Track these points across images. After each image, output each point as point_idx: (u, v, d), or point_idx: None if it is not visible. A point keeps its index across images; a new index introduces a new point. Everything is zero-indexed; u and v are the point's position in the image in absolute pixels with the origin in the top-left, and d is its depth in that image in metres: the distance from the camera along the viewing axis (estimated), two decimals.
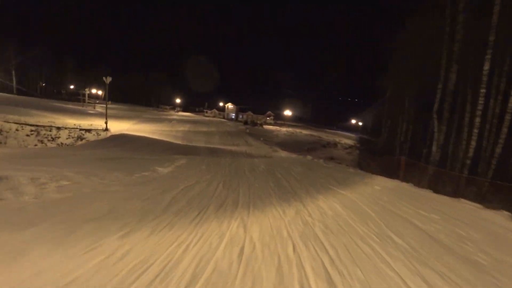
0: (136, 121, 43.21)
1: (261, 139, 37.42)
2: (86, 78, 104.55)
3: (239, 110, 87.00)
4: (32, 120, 23.77)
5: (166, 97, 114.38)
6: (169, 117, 60.71)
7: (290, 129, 62.08)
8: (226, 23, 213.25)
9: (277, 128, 62.63)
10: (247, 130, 44.41)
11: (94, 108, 64.31)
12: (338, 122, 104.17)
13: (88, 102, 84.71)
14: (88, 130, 24.33)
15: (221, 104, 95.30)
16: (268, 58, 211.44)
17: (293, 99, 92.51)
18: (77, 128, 23.89)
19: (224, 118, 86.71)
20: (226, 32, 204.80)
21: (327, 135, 63.30)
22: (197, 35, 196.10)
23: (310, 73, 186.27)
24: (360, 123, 75.21)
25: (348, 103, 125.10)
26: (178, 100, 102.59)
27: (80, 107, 59.94)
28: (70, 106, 58.45)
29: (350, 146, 51.59)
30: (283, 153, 25.99)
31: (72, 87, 67.07)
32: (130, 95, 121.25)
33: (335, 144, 51.47)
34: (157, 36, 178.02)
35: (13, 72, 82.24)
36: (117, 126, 31.66)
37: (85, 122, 29.37)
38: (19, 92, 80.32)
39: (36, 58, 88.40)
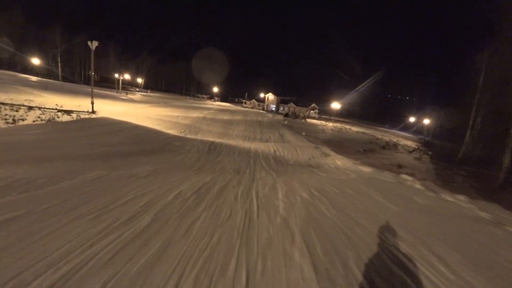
0: (150, 105, 37.30)
1: (303, 133, 28.90)
2: (128, 65, 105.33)
3: (280, 102, 78.59)
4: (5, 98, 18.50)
5: (206, 86, 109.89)
6: (201, 105, 54.70)
7: (337, 125, 52.65)
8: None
9: (322, 122, 53.42)
10: (285, 122, 36.38)
11: (126, 94, 60.97)
12: (391, 119, 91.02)
13: (128, 89, 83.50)
14: (69, 112, 18.25)
15: (261, 95, 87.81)
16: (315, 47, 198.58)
17: (343, 88, 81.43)
18: (54, 109, 17.93)
19: (263, 109, 79.08)
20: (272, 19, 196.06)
21: (382, 134, 52.81)
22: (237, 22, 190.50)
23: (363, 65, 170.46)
24: (426, 122, 62.58)
25: (403, 100, 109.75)
26: (215, 89, 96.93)
27: (109, 92, 56.54)
28: (99, 91, 55.15)
29: (414, 149, 40.92)
30: (339, 159, 17.36)
31: (116, 75, 64.45)
32: (172, 84, 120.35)
33: (395, 146, 40.91)
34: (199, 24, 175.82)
35: (59, 59, 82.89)
36: (120, 109, 25.78)
37: (84, 104, 23.70)
38: (64, 79, 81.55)
39: (81, 45, 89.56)
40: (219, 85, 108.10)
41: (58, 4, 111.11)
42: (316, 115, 75.13)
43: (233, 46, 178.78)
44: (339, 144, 29.45)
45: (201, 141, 16.71)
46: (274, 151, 17.48)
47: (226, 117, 32.31)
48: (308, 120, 52.62)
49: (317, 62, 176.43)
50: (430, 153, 39.09)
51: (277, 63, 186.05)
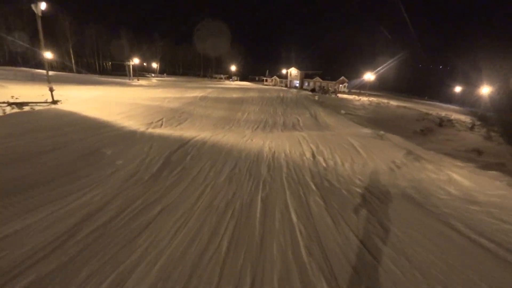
0: (154, 88, 32.45)
1: (342, 112, 22.61)
2: (142, 51, 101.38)
3: (305, 77, 71.22)
4: None
5: (225, 66, 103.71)
6: (214, 85, 49.18)
7: (373, 99, 45.33)
8: None
9: (355, 97, 46.27)
10: (316, 97, 30.08)
11: (138, 80, 56.91)
12: (430, 91, 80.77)
13: (144, 75, 79.90)
14: (23, 104, 13.64)
15: (283, 71, 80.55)
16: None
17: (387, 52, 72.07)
18: (4, 103, 13.38)
19: (286, 86, 72.25)
20: None
21: (426, 108, 45.17)
22: None
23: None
24: (485, 90, 53.06)
25: (443, 70, 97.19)
26: (233, 68, 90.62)
27: (119, 80, 52.64)
28: (108, 79, 51.30)
29: (473, 125, 33.08)
30: (438, 163, 9.90)
31: (132, 62, 60.65)
32: (190, 67, 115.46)
33: (450, 122, 33.39)
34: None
35: (71, 51, 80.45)
36: (99, 94, 21.02)
37: (67, 93, 19.17)
38: (79, 71, 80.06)
39: (92, 35, 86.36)
40: (238, 64, 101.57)
41: None
42: (346, 90, 67.30)
43: (251, 20, 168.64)
44: (386, 122, 23.12)
45: (169, 141, 10.00)
46: (312, 154, 9.60)
47: (235, 95, 26.18)
48: (339, 95, 45.57)
49: (345, 31, 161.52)
50: (496, 129, 31.14)
51: (299, 35, 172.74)
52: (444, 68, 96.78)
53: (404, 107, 40.97)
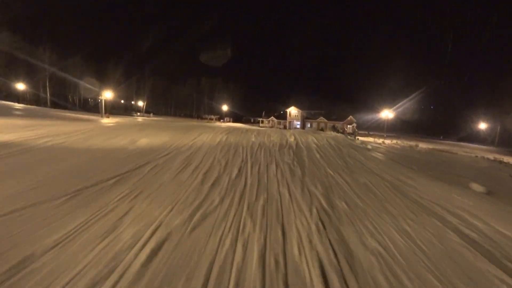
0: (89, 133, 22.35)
1: (414, 168, 12.10)
2: (129, 87, 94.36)
3: (306, 117, 62.30)
4: None
5: (218, 107, 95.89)
6: (204, 127, 39.31)
7: (397, 141, 35.56)
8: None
9: (375, 139, 36.36)
10: (357, 140, 20.26)
11: (108, 117, 47.19)
12: (446, 130, 72.01)
13: (130, 113, 70.95)
14: None
15: (281, 112, 72.06)
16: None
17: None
18: None
19: (285, 127, 62.85)
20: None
21: (460, 149, 35.84)
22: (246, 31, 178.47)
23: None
24: None
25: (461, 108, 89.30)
26: (225, 108, 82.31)
27: (86, 116, 42.91)
28: (73, 115, 41.57)
29: None
30: None
31: (103, 97, 52.54)
32: (182, 107, 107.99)
33: None
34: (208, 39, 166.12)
35: (47, 83, 72.50)
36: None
37: None
38: (55, 105, 71.56)
39: (74, 66, 79.46)
40: (230, 103, 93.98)
41: (46, 23, 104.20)
42: (356, 130, 57.96)
43: (246, 58, 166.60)
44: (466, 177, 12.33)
45: None
46: None
47: (219, 138, 16.77)
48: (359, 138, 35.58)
49: (351, 67, 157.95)
50: None
51: (299, 71, 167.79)
52: (465, 104, 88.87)
53: (440, 151, 30.72)
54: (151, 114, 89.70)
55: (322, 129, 40.05)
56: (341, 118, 57.25)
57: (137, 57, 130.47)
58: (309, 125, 60.63)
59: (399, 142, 35.83)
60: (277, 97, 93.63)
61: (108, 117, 48.37)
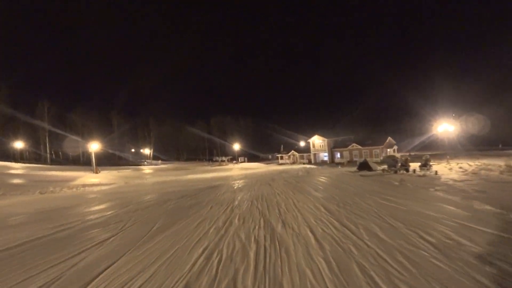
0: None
1: None
2: (135, 136, 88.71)
3: (334, 146, 51.51)
4: None
5: (231, 147, 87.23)
6: (209, 173, 29.99)
7: (469, 165, 24.15)
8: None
9: (444, 165, 24.97)
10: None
11: (97, 172, 38.97)
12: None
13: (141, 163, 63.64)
14: None
15: (302, 143, 61.96)
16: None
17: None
18: None
19: (310, 162, 52.20)
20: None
21: None
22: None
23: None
24: None
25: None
26: (237, 147, 73.18)
27: (75, 173, 34.75)
28: (58, 174, 33.45)
29: None
30: None
31: (92, 149, 46.07)
32: (193, 151, 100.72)
33: None
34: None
35: (47, 139, 67.63)
36: None
37: None
38: (55, 162, 66.28)
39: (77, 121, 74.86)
40: (244, 142, 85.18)
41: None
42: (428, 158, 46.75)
43: (260, 91, 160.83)
44: None
45: None
46: None
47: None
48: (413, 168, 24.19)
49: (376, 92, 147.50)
50: None
51: (314, 100, 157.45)
52: None
53: None
54: (160, 162, 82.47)
55: (364, 163, 29.19)
56: (378, 141, 46.21)
57: (139, 103, 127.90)
58: (338, 155, 49.81)
59: (471, 164, 24.34)
60: (295, 128, 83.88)
61: (97, 172, 40.06)
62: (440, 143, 52.81)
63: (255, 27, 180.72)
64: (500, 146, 55.67)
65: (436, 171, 19.27)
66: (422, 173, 19.05)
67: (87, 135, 76.64)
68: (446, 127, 32.69)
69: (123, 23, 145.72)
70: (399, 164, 20.88)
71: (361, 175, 20.77)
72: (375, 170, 27.68)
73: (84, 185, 25.56)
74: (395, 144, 49.10)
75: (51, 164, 62.92)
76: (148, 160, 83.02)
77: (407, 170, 20.09)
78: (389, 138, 47.89)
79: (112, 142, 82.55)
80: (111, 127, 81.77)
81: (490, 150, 48.15)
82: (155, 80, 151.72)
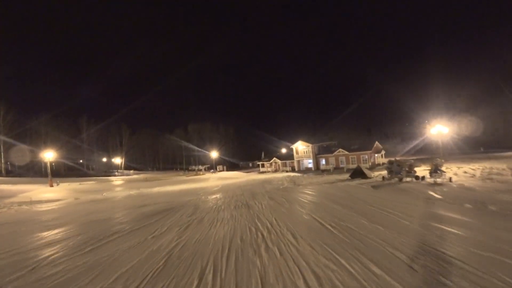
0: None
1: None
2: (105, 144, 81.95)
3: (319, 152, 48.29)
4: None
5: (209, 156, 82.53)
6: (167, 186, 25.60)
7: (462, 168, 21.54)
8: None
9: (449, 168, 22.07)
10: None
11: (53, 185, 33.47)
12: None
13: (111, 173, 57.58)
14: None
15: (283, 150, 58.51)
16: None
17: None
18: None
19: (294, 170, 48.64)
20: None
21: None
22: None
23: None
24: None
25: None
26: (214, 155, 68.76)
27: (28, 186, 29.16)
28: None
29: None
30: None
31: (47, 159, 40.50)
32: (170, 160, 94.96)
33: None
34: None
35: (1, 147, 60.27)
36: None
37: None
38: (11, 174, 59.73)
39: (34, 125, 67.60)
40: (223, 149, 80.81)
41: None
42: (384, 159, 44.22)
43: (239, 97, 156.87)
44: None
45: None
46: None
47: None
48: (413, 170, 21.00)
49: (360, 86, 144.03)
50: None
51: (297, 105, 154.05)
52: None
53: None
54: (132, 172, 76.41)
55: (358, 170, 26.05)
56: (366, 146, 43.37)
57: (111, 109, 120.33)
58: (323, 162, 46.56)
59: (480, 167, 21.58)
60: (277, 134, 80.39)
61: (52, 185, 34.41)
62: (430, 147, 50.96)
63: (234, 31, 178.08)
64: (481, 149, 54.54)
65: (450, 178, 15.96)
66: (433, 180, 15.67)
67: (50, 143, 69.87)
68: (440, 129, 30.14)
69: (97, 20, 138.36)
70: (405, 170, 17.41)
71: (366, 185, 16.91)
72: (370, 178, 24.38)
73: (20, 203, 20.44)
74: (382, 149, 46.54)
75: (6, 176, 56.00)
76: (119, 171, 76.74)
77: (417, 178, 16.60)
78: (377, 142, 45.27)
79: (80, 151, 76.08)
80: (79, 135, 75.12)
81: (472, 153, 46.56)
82: (131, 86, 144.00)
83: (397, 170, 17.50)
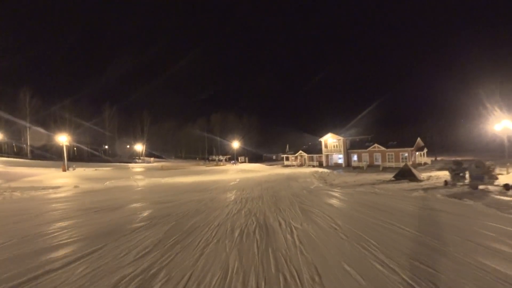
0: None
1: None
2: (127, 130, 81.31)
3: (351, 147, 43.46)
4: None
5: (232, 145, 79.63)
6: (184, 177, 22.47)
7: None
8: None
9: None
10: None
11: (74, 169, 32.02)
12: None
13: (131, 160, 56.89)
14: None
15: (310, 143, 54.05)
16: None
17: None
18: None
19: (321, 165, 44.31)
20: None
21: None
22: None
23: None
24: None
25: None
26: (236, 145, 65.56)
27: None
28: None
29: None
30: None
31: (65, 142, 39.52)
32: (193, 149, 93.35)
33: None
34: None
35: (28, 130, 60.47)
36: None
37: None
38: (37, 156, 59.77)
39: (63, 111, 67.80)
40: (246, 140, 77.41)
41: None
42: (427, 159, 39.16)
43: (259, 86, 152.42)
44: None
45: None
46: None
47: None
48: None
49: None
50: None
51: (326, 96, 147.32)
52: None
53: None
54: (152, 159, 75.33)
55: (406, 170, 21.58)
56: (407, 143, 38.00)
57: (135, 98, 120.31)
58: (355, 158, 41.77)
59: None
60: (304, 126, 75.18)
61: (65, 170, 32.91)
62: (480, 146, 44.55)
63: (261, 21, 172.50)
64: None
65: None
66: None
67: (74, 128, 70.14)
68: (507, 124, 24.50)
69: (120, 11, 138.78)
70: (489, 175, 12.77)
71: (439, 195, 12.10)
72: (421, 180, 19.80)
73: (16, 188, 18.18)
74: (424, 147, 40.85)
75: (32, 159, 56.44)
76: (141, 158, 75.90)
77: (508, 187, 11.86)
78: (419, 138, 39.66)
79: (104, 138, 76.11)
80: (102, 121, 75.05)
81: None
82: (156, 75, 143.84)
83: (476, 173, 12.87)
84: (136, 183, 22.40)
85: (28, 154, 61.16)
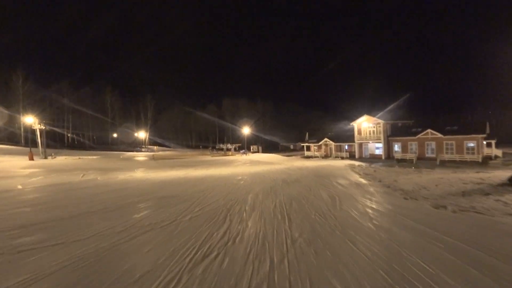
0: None
1: None
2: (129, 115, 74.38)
3: (392, 133, 33.92)
4: None
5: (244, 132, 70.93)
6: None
7: None
8: None
9: None
10: None
11: (50, 157, 24.85)
12: None
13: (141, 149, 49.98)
14: None
15: (337, 129, 44.82)
16: None
17: None
18: None
19: (353, 156, 35.31)
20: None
21: None
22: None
23: None
24: None
25: None
26: (246, 131, 56.98)
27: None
28: None
29: None
30: None
31: (39, 126, 32.47)
32: (203, 137, 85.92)
33: None
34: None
35: (21, 118, 54.31)
36: None
37: None
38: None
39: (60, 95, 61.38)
40: (260, 128, 68.67)
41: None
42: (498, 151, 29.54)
43: (276, 69, 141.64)
44: None
45: None
46: None
47: None
48: None
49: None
50: None
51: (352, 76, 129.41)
52: None
53: None
54: (155, 148, 68.42)
55: None
56: (474, 128, 28.35)
57: (140, 83, 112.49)
58: (396, 148, 32.58)
59: None
60: (330, 108, 64.78)
61: (32, 158, 25.84)
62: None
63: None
64: None
65: None
66: None
67: (71, 113, 63.96)
68: None
69: None
70: None
71: None
72: None
73: None
74: (493, 136, 30.92)
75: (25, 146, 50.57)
76: (144, 146, 69.12)
77: None
78: (487, 123, 29.80)
79: (104, 124, 69.75)
80: (104, 106, 68.47)
81: None
82: (162, 58, 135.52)
83: None
84: (123, 178, 14.56)
85: (22, 141, 54.82)
